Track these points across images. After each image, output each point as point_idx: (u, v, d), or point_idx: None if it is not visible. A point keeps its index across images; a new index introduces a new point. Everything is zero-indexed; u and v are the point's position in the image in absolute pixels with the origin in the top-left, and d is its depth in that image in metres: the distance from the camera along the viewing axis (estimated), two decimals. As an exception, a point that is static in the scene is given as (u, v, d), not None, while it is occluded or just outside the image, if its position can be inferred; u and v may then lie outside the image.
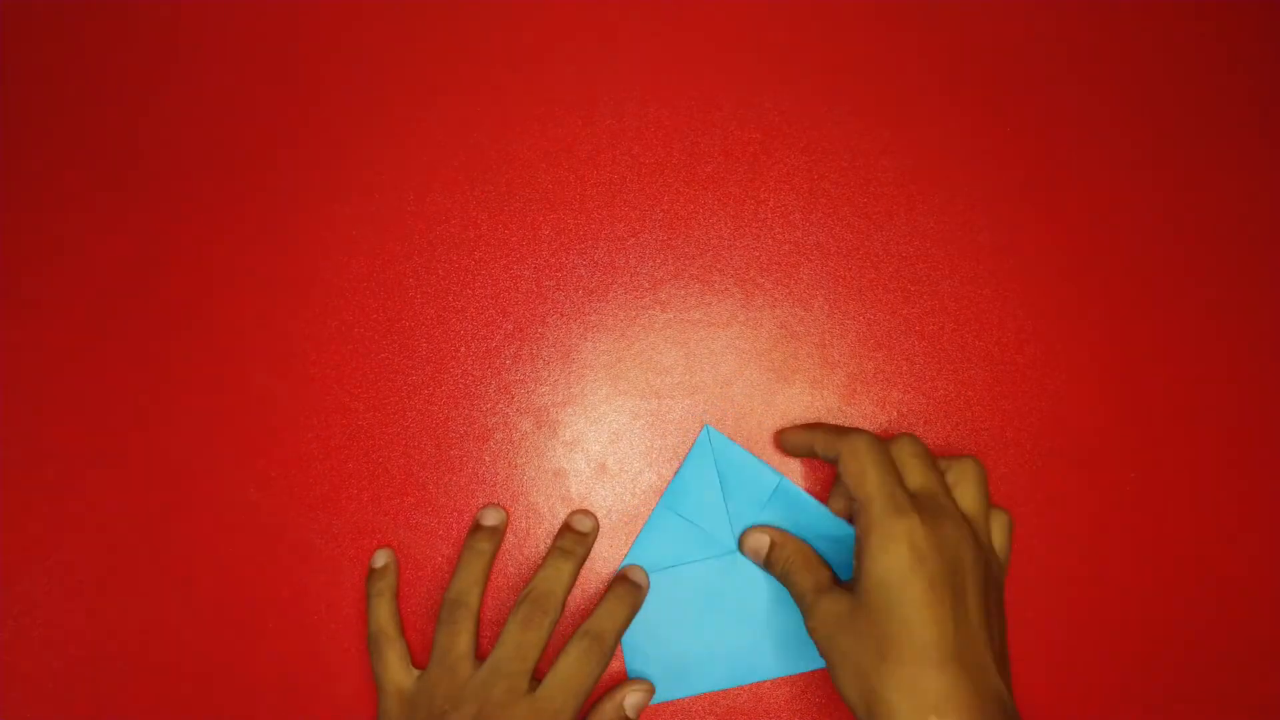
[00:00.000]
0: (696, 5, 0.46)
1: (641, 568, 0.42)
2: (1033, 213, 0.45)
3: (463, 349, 0.44)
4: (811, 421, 0.43)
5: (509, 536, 0.43)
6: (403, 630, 0.41)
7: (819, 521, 0.40)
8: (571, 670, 0.38)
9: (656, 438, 0.43)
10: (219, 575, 0.42)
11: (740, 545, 0.41)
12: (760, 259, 0.45)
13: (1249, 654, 0.43)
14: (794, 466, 0.43)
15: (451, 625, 0.39)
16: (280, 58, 0.46)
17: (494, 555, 0.42)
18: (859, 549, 0.35)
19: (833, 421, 0.43)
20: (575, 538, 0.41)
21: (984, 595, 0.34)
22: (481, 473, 0.43)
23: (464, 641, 0.39)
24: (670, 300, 0.44)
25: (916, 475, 0.36)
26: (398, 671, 0.40)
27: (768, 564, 0.40)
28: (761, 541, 0.40)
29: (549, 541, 0.43)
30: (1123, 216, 0.45)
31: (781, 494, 0.41)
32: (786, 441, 0.42)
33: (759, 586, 0.41)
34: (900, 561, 0.33)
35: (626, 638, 0.41)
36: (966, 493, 0.37)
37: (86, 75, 0.46)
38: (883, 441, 0.37)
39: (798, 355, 0.44)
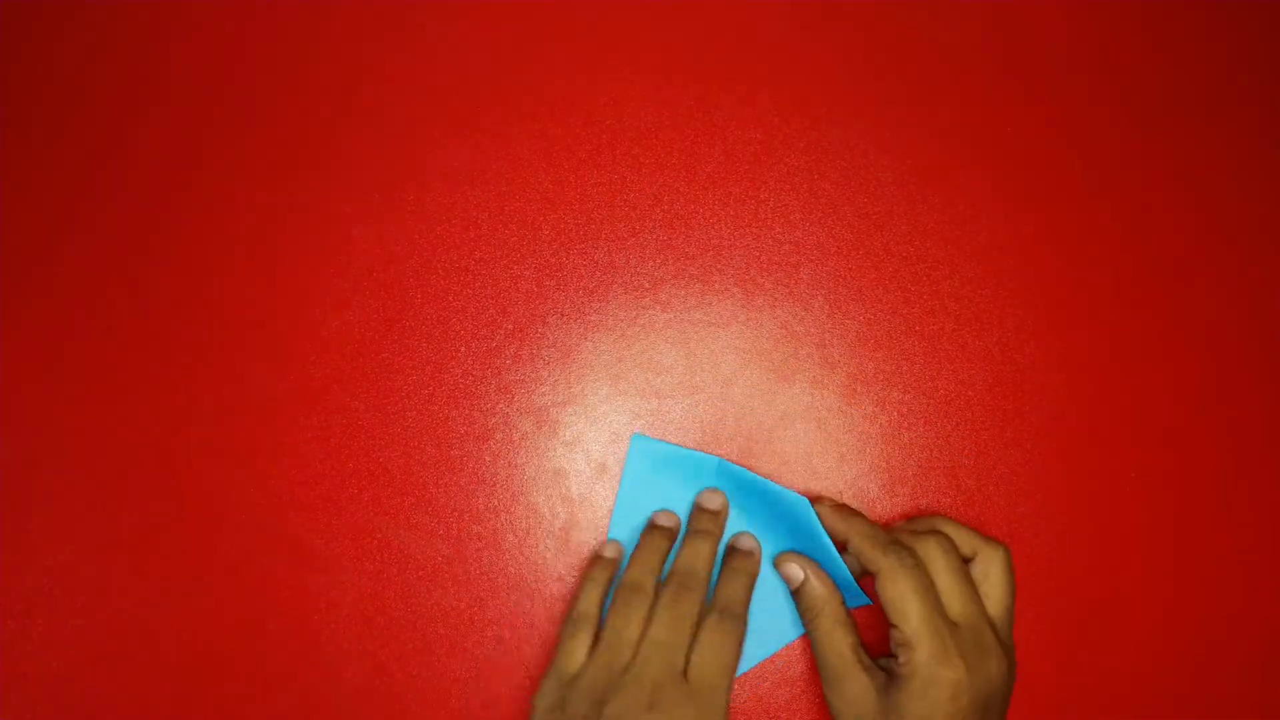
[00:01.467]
0: (696, 5, 0.46)
1: (750, 534, 0.41)
2: (1033, 213, 0.45)
3: (463, 349, 0.44)
4: (847, 508, 0.41)
5: (508, 537, 0.43)
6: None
7: (765, 495, 0.41)
8: (714, 644, 0.37)
9: (657, 438, 0.43)
10: (219, 575, 0.42)
11: (774, 564, 0.41)
12: (760, 259, 0.45)
13: (1251, 653, 0.43)
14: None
15: (625, 611, 0.38)
16: (280, 58, 0.46)
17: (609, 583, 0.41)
18: (900, 674, 0.36)
19: (834, 423, 0.43)
20: (708, 516, 0.41)
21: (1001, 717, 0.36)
22: (481, 473, 0.43)
23: (634, 628, 0.38)
24: (670, 300, 0.44)
25: (956, 602, 0.36)
26: (579, 654, 0.38)
27: (797, 596, 0.40)
28: (795, 574, 0.40)
29: (549, 541, 0.43)
30: (1123, 216, 0.45)
31: (725, 474, 0.42)
32: (821, 517, 0.41)
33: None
34: (941, 707, 0.34)
35: None
36: (993, 592, 0.38)
37: (87, 76, 0.46)
38: (921, 565, 0.37)
39: (798, 355, 0.44)
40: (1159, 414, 0.44)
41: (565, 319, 0.44)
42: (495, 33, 0.46)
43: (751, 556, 0.41)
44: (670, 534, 0.41)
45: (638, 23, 0.46)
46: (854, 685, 0.36)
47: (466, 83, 0.46)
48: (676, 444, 0.43)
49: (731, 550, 0.41)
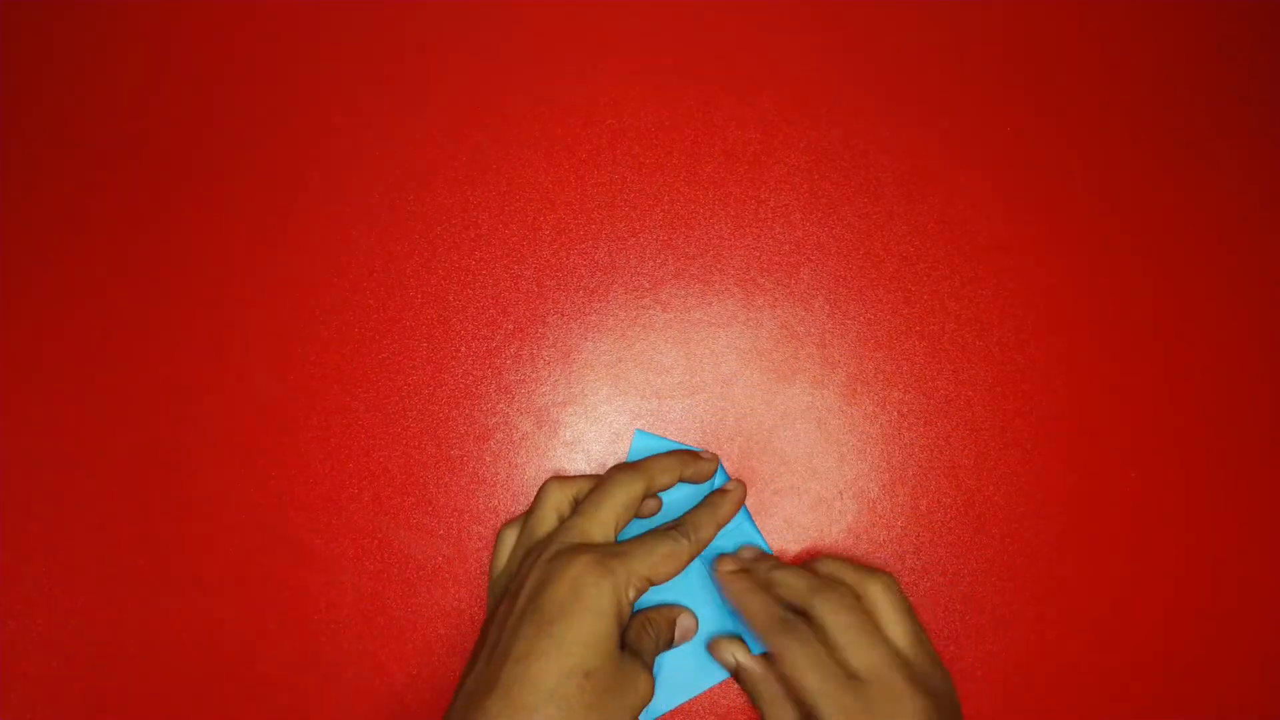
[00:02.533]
0: (696, 5, 0.46)
1: (742, 482, 0.41)
2: (1033, 213, 0.45)
3: (463, 349, 0.44)
4: (744, 576, 0.40)
5: (509, 536, 0.43)
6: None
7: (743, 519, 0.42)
8: (607, 483, 0.37)
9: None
10: (219, 575, 0.42)
11: (709, 648, 0.40)
12: (760, 259, 0.45)
13: (1251, 653, 0.43)
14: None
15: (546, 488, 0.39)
16: (280, 57, 0.46)
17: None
18: None
19: (834, 423, 0.43)
20: (693, 455, 0.41)
21: None
22: (481, 473, 0.43)
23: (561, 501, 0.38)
24: (671, 300, 0.44)
25: (855, 657, 0.35)
26: (511, 537, 0.39)
27: (736, 677, 0.40)
28: (728, 661, 0.39)
29: (549, 541, 0.43)
30: (1123, 216, 0.45)
31: (722, 477, 0.42)
32: (719, 579, 0.41)
33: (713, 589, 0.41)
34: None
35: None
36: (889, 626, 0.37)
37: (86, 76, 0.46)
38: (808, 636, 0.36)
39: (798, 355, 0.44)
40: (1159, 414, 0.44)
41: (565, 319, 0.44)
42: (495, 33, 0.46)
43: (732, 498, 0.40)
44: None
45: (638, 23, 0.46)
46: None
47: (467, 83, 0.46)
48: (678, 441, 0.43)
49: (719, 491, 0.41)
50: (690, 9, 0.46)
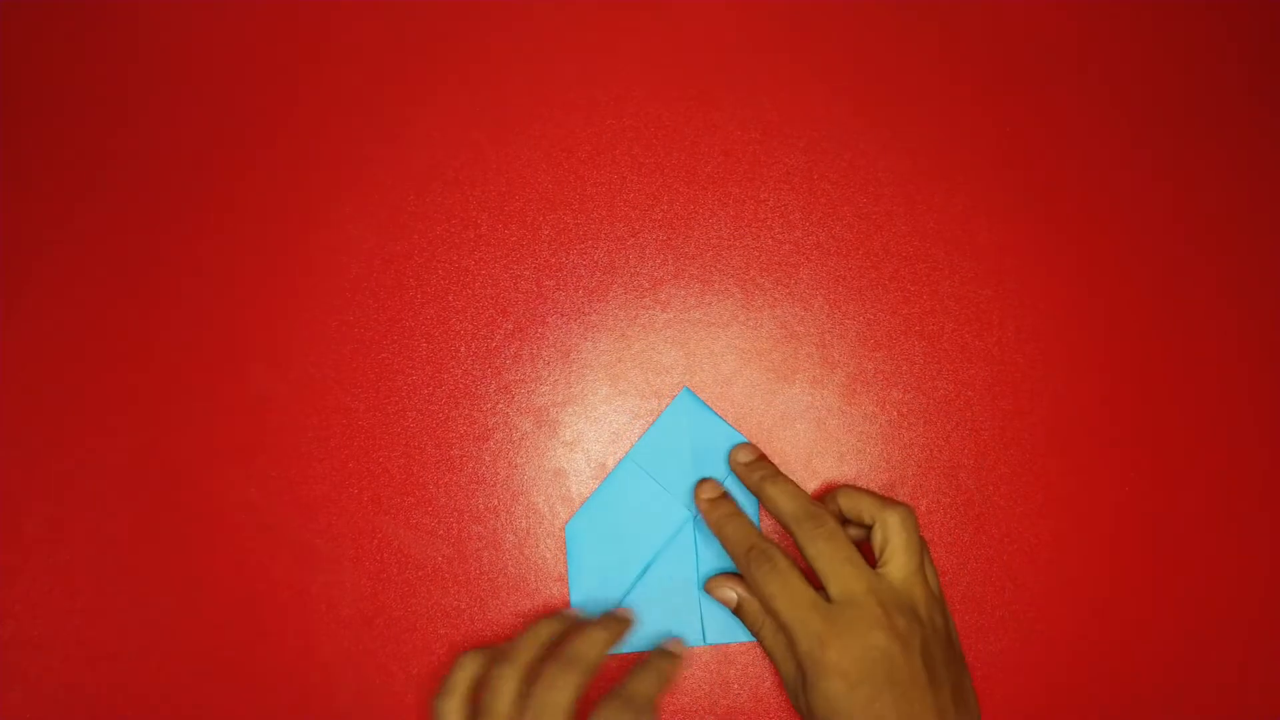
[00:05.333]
0: (697, 5, 0.46)
1: (681, 640, 0.41)
2: (1033, 213, 0.45)
3: (463, 349, 0.44)
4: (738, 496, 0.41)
5: (508, 536, 0.43)
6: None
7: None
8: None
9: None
10: (219, 575, 0.42)
11: (706, 588, 0.41)
12: (760, 259, 0.45)
13: (1251, 654, 0.43)
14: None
15: (497, 684, 0.37)
16: (280, 57, 0.46)
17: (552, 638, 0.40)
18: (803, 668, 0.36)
19: (834, 423, 0.43)
20: (618, 621, 0.40)
21: (928, 669, 0.35)
22: (481, 473, 0.43)
23: (504, 700, 0.37)
24: (670, 300, 0.44)
25: (834, 584, 0.36)
26: None
27: (738, 614, 0.40)
28: (729, 597, 0.40)
29: (549, 541, 0.43)
30: (1123, 216, 0.45)
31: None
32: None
33: (702, 555, 0.42)
34: (837, 691, 0.34)
35: (573, 579, 0.42)
36: (894, 561, 0.37)
37: (86, 77, 0.46)
38: (782, 565, 0.37)
39: (798, 355, 0.44)
40: (1159, 414, 0.44)
41: (565, 319, 0.44)
42: (495, 33, 0.46)
43: (677, 662, 0.40)
44: (566, 620, 0.40)
45: (638, 23, 0.46)
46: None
47: (467, 83, 0.46)
48: (718, 416, 0.43)
49: (660, 652, 0.40)
50: (690, 9, 0.46)
